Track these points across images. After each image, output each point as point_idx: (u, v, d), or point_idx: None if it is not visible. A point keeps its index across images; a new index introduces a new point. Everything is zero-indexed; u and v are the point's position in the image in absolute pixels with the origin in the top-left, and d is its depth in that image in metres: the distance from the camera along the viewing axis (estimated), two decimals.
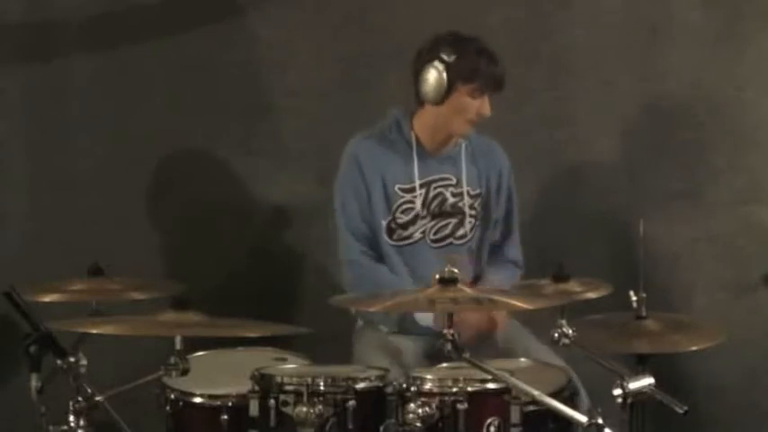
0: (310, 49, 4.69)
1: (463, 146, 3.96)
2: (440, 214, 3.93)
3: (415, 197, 3.91)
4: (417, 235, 3.92)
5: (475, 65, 3.79)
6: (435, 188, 3.93)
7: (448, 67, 3.78)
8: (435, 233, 3.93)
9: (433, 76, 3.80)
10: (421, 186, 3.91)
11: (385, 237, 3.90)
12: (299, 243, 4.69)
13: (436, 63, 3.79)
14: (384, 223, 3.90)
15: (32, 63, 4.68)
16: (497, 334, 3.85)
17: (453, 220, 3.95)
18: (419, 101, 3.89)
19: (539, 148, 4.62)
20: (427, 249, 3.92)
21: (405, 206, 3.91)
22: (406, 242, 3.91)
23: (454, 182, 3.94)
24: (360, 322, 4.00)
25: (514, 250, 4.08)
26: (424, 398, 3.24)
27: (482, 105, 3.83)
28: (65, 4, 4.67)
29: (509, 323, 3.87)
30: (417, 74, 3.84)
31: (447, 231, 3.93)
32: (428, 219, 3.92)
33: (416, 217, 3.91)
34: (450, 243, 3.94)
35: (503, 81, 3.85)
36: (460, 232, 3.95)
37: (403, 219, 3.91)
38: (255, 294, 4.57)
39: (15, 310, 3.04)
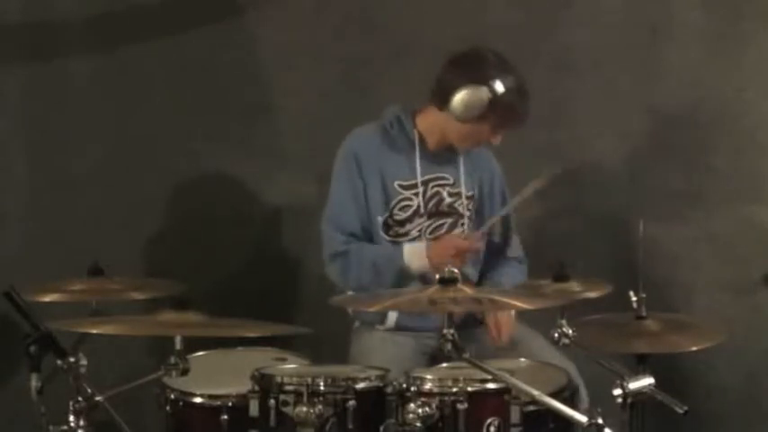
0: (310, 49, 4.69)
1: None
2: (436, 214, 3.92)
3: (415, 194, 3.90)
4: (414, 233, 3.89)
5: (515, 107, 3.74)
6: (433, 187, 3.91)
7: (495, 99, 3.68)
8: (431, 233, 3.90)
9: (475, 97, 3.68)
10: (421, 184, 3.90)
11: (381, 233, 3.88)
12: (298, 243, 4.68)
13: (485, 89, 3.68)
14: (381, 219, 3.88)
15: (32, 63, 4.68)
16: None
17: (449, 221, 3.93)
18: (437, 103, 3.80)
19: (539, 148, 4.61)
20: None
21: (403, 203, 3.89)
22: (403, 240, 3.89)
23: (451, 182, 3.93)
24: (357, 323, 3.99)
25: (515, 249, 4.07)
26: (424, 398, 3.24)
27: (496, 137, 3.82)
28: (65, 4, 4.67)
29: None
30: (453, 83, 3.71)
31: (443, 231, 3.91)
32: (425, 218, 3.91)
33: (414, 214, 3.90)
34: None
35: (525, 120, 3.82)
36: (456, 233, 3.93)
37: (401, 216, 3.89)
38: (255, 294, 4.57)
39: (15, 310, 3.03)
